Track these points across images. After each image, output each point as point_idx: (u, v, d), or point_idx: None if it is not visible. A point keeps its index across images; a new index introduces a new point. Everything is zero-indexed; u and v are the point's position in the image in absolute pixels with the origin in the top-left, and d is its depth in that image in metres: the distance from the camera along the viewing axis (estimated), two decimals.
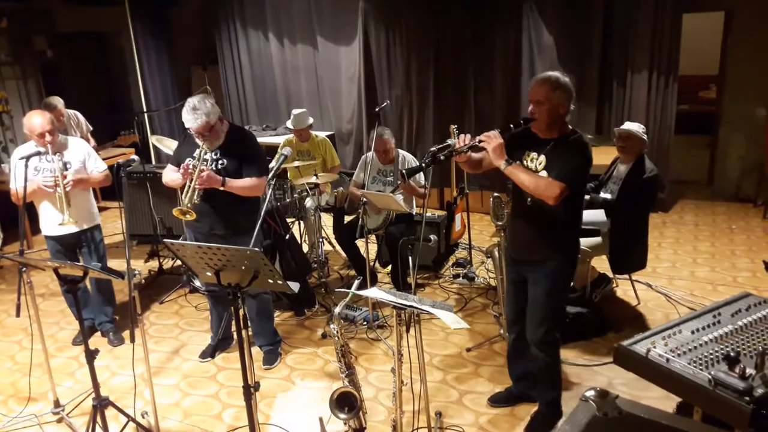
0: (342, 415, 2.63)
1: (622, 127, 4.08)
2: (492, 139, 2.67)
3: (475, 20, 6.29)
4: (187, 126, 3.30)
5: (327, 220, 5.44)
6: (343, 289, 2.88)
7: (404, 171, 2.81)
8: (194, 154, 3.30)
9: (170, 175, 3.58)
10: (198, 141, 3.35)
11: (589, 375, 3.53)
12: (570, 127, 2.78)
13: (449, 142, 2.77)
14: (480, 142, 2.70)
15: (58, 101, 5.46)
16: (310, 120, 5.45)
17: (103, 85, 8.48)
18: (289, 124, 5.49)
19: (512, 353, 3.26)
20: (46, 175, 3.66)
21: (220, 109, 3.46)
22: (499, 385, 3.44)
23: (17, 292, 3.27)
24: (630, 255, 4.06)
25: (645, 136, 3.99)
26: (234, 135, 3.49)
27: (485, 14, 6.25)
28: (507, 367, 3.33)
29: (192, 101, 3.29)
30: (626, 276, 4.40)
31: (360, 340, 4.01)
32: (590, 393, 1.25)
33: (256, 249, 2.31)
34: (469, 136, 2.75)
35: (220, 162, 3.40)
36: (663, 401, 2.72)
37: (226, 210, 3.42)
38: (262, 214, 2.79)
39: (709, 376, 1.82)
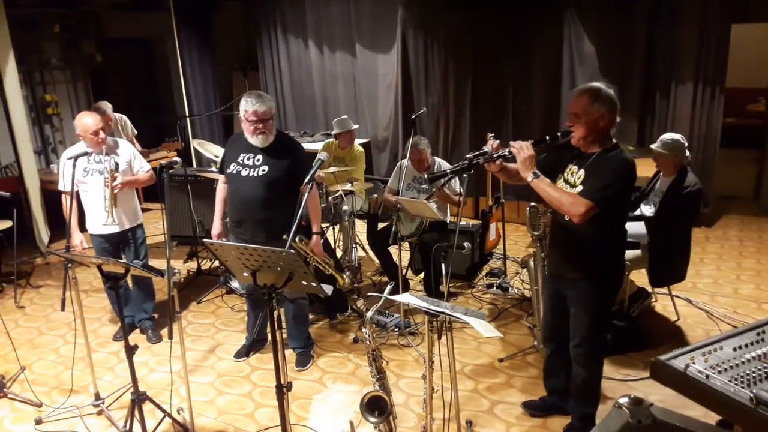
0: (372, 419, 2.63)
1: (659, 140, 3.98)
2: (522, 150, 2.61)
3: (515, 29, 6.26)
4: (253, 109, 3.32)
5: (361, 226, 5.48)
6: (375, 294, 2.89)
7: (428, 176, 2.81)
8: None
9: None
10: (251, 139, 3.41)
11: (624, 390, 3.45)
12: (614, 141, 2.69)
13: (486, 149, 2.74)
14: (510, 152, 2.66)
15: (107, 106, 5.65)
16: (355, 125, 5.52)
17: (148, 89, 8.76)
18: (335, 129, 5.55)
19: (548, 369, 3.23)
20: (95, 177, 3.80)
21: None
22: (531, 396, 3.39)
23: (62, 288, 3.40)
24: (669, 269, 3.96)
25: (677, 152, 3.85)
26: (281, 140, 3.52)
27: (525, 23, 6.22)
28: (542, 380, 3.29)
29: (255, 92, 3.40)
30: (666, 291, 4.29)
31: (391, 347, 4.02)
32: (624, 400, 1.22)
33: (291, 251, 2.35)
34: (498, 142, 2.73)
35: (261, 169, 3.44)
36: (702, 419, 2.64)
37: (266, 219, 3.47)
38: (297, 217, 2.82)
39: (751, 395, 1.76)
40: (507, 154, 2.67)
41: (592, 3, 5.91)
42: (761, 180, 6.74)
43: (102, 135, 3.76)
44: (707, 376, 1.92)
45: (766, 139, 6.58)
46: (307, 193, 2.91)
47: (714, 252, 5.57)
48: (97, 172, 3.82)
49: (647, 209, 4.04)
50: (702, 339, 2.29)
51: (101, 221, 3.83)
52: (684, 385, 1.98)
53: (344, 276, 3.08)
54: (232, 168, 3.51)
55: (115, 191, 3.77)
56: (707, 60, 5.78)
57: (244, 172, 3.47)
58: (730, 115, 7.65)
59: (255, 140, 3.42)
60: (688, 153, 3.93)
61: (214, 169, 5.41)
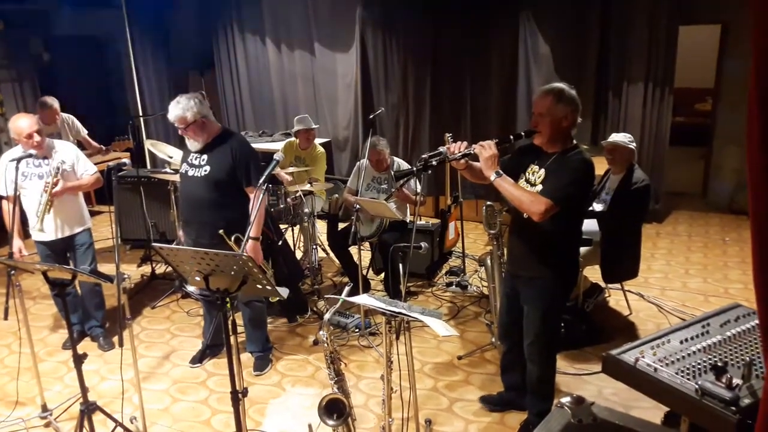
0: (331, 422, 2.61)
1: (608, 139, 4.11)
2: (486, 149, 2.64)
3: (472, 29, 6.32)
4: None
5: (321, 227, 5.43)
6: (333, 296, 2.87)
7: (395, 173, 2.81)
8: None
9: None
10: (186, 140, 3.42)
11: (579, 384, 3.52)
12: (574, 141, 2.74)
13: (441, 149, 2.77)
14: (474, 150, 2.69)
15: (53, 101, 5.46)
16: (315, 125, 5.49)
17: (99, 89, 8.47)
18: (296, 126, 5.48)
19: (504, 365, 3.27)
20: (34, 181, 3.63)
21: (217, 115, 3.48)
22: (489, 393, 3.42)
23: (6, 295, 3.25)
24: (621, 264, 4.06)
25: (632, 145, 4.00)
26: (223, 141, 3.42)
27: (483, 23, 6.28)
28: (500, 376, 3.33)
29: (180, 96, 3.37)
30: (618, 286, 4.40)
31: (352, 348, 4.00)
32: (566, 400, 1.24)
33: (245, 254, 2.30)
34: (465, 143, 2.75)
35: (204, 169, 3.39)
36: (653, 411, 2.71)
37: (209, 220, 3.40)
38: (253, 218, 2.78)
39: (696, 386, 1.81)
40: (471, 152, 2.69)
41: (546, 4, 6.01)
42: (708, 177, 6.99)
43: (37, 138, 3.53)
44: (655, 369, 1.97)
45: (713, 138, 6.82)
46: (261, 195, 2.87)
47: (664, 247, 5.74)
48: (36, 176, 3.63)
49: (598, 207, 4.14)
50: (652, 332, 2.36)
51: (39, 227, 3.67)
52: (634, 379, 2.03)
53: (280, 294, 2.99)
54: (183, 167, 3.50)
55: (54, 197, 3.61)
56: (657, 61, 5.96)
57: (191, 172, 3.44)
58: (679, 114, 7.92)
59: (188, 143, 3.44)
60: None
61: (168, 169, 5.28)
